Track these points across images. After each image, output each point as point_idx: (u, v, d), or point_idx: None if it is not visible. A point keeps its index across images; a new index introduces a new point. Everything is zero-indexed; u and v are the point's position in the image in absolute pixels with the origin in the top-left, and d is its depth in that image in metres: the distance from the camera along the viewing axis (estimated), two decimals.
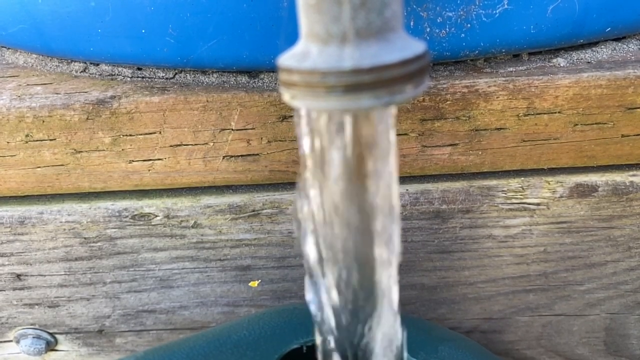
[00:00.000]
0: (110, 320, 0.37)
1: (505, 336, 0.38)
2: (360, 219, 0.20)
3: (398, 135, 0.31)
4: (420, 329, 0.31)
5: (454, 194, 0.33)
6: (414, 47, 0.17)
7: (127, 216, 0.33)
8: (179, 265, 0.35)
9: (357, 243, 0.21)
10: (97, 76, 0.32)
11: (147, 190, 0.33)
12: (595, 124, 0.31)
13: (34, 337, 0.37)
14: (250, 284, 0.36)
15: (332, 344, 0.23)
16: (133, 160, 0.31)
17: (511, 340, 0.38)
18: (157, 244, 0.34)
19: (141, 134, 0.31)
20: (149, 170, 0.32)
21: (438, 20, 0.28)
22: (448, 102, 0.30)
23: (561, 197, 0.33)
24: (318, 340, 0.23)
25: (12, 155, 0.31)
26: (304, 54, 0.17)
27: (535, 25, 0.29)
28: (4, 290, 0.36)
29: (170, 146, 0.31)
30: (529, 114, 0.30)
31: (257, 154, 0.31)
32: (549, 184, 0.32)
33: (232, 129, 0.30)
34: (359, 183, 0.19)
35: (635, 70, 0.30)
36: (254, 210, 0.33)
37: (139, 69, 0.32)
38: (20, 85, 0.32)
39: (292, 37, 0.25)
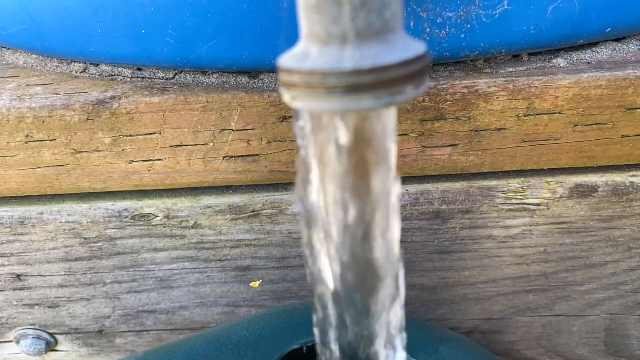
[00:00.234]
0: (110, 321, 0.37)
1: (506, 337, 0.38)
2: (361, 219, 0.20)
3: (398, 135, 0.31)
4: (420, 329, 0.31)
5: (454, 195, 0.33)
6: (415, 47, 0.17)
7: (127, 217, 0.33)
8: (179, 266, 0.35)
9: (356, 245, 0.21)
10: (97, 77, 0.32)
11: (147, 191, 0.33)
12: (596, 124, 0.31)
13: (34, 338, 0.37)
14: (251, 285, 0.36)
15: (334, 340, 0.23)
16: (133, 161, 0.31)
17: (511, 341, 0.38)
18: (157, 245, 0.34)
19: (141, 135, 0.31)
20: (149, 170, 0.32)
21: (438, 21, 0.28)
22: (448, 103, 0.30)
23: (561, 197, 0.33)
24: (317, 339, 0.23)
25: (12, 156, 0.31)
26: (305, 54, 0.17)
27: (535, 25, 0.29)
28: (4, 291, 0.36)
29: (171, 147, 0.31)
30: (529, 115, 0.30)
31: (257, 155, 0.31)
32: (549, 184, 0.32)
33: (232, 130, 0.30)
34: (359, 184, 0.19)
35: (636, 71, 0.30)
36: (254, 211, 0.33)
37: (139, 69, 0.32)
38: (20, 85, 0.32)
39: (292, 38, 0.25)
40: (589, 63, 0.31)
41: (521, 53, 0.31)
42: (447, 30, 0.28)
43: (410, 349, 0.27)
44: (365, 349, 0.22)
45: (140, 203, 0.33)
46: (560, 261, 0.35)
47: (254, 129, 0.30)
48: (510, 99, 0.30)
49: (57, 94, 0.30)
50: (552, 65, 0.31)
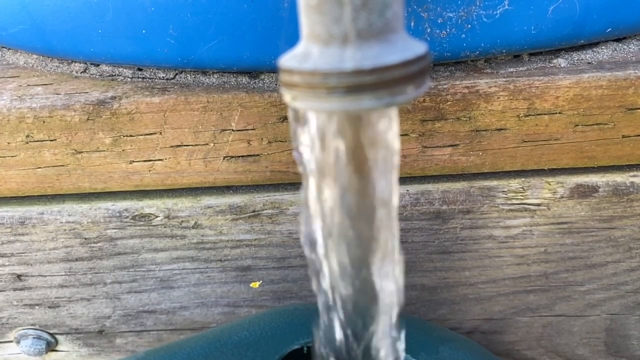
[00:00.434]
0: (110, 321, 0.37)
1: (506, 337, 0.38)
2: (362, 218, 0.20)
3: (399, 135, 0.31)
4: (420, 329, 0.31)
5: (454, 195, 0.33)
6: (415, 48, 0.17)
7: (127, 217, 0.33)
8: (179, 266, 0.35)
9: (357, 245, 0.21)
10: (97, 77, 0.32)
11: (147, 191, 0.33)
12: (596, 124, 0.31)
13: (34, 338, 0.37)
14: (251, 285, 0.36)
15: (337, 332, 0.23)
16: (133, 161, 0.31)
17: (512, 341, 0.38)
18: (157, 245, 0.34)
19: (142, 135, 0.31)
20: (150, 170, 0.32)
21: (439, 21, 0.28)
22: (449, 103, 0.30)
23: (562, 197, 0.33)
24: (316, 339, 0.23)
25: (12, 156, 0.31)
26: (305, 54, 0.17)
27: (535, 25, 0.29)
28: (5, 291, 0.36)
29: (171, 147, 0.31)
30: (529, 115, 0.30)
31: (258, 155, 0.31)
32: (550, 184, 0.32)
33: (233, 130, 0.30)
34: (360, 184, 0.19)
35: (636, 71, 0.30)
36: (254, 211, 0.33)
37: (140, 69, 0.32)
38: (20, 85, 0.32)
39: (292, 38, 0.25)
40: (589, 63, 0.31)
41: (522, 53, 0.31)
42: (448, 30, 0.28)
43: (410, 349, 0.27)
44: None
45: (141, 203, 0.33)
46: (560, 261, 0.35)
47: (254, 129, 0.30)
48: (510, 99, 0.30)
49: (57, 94, 0.30)
50: (552, 65, 0.31)
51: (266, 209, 0.33)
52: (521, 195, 0.33)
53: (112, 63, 0.32)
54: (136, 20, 0.28)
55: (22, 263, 0.35)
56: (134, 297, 0.36)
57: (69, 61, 0.33)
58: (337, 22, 0.16)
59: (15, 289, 0.36)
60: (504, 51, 0.30)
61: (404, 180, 0.33)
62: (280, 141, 0.31)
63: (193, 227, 0.33)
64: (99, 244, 0.34)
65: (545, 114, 0.30)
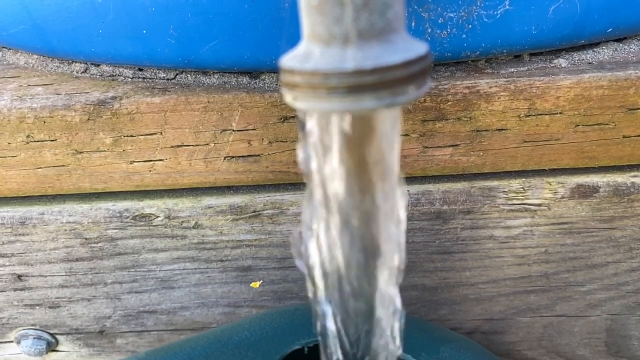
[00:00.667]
0: (111, 321, 0.37)
1: (507, 337, 0.38)
2: (363, 221, 0.20)
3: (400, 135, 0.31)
4: (421, 329, 0.31)
5: (455, 195, 0.33)
6: (416, 48, 0.17)
7: (128, 217, 0.33)
8: (179, 266, 0.35)
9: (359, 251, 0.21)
10: (98, 77, 0.32)
11: (148, 191, 0.33)
12: (597, 124, 0.31)
13: (34, 338, 0.37)
14: (251, 285, 0.36)
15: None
16: (134, 161, 0.31)
17: (512, 341, 0.38)
18: (158, 245, 0.34)
19: (142, 135, 0.31)
20: (150, 170, 0.32)
21: (439, 21, 0.28)
22: (449, 103, 0.30)
23: (562, 197, 0.33)
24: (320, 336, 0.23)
25: (13, 156, 0.31)
26: (306, 55, 0.17)
27: (536, 25, 0.29)
28: (5, 291, 0.36)
29: (171, 147, 0.31)
30: (530, 115, 0.30)
31: (258, 155, 0.31)
32: (550, 184, 0.32)
33: (233, 130, 0.30)
34: (360, 185, 0.19)
35: (637, 71, 0.30)
36: (255, 211, 0.33)
37: (140, 69, 0.32)
38: (21, 85, 0.32)
39: (293, 38, 0.25)
40: (590, 63, 0.31)
41: (522, 53, 0.31)
42: (448, 30, 0.28)
43: (411, 349, 0.27)
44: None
45: (141, 203, 0.33)
46: (561, 261, 0.35)
47: (255, 129, 0.30)
48: (511, 99, 0.30)
49: (58, 94, 0.30)
50: (553, 65, 0.31)
51: (267, 209, 0.33)
52: (522, 196, 0.33)
53: (113, 63, 0.32)
54: (137, 20, 0.28)
55: (22, 263, 0.35)
56: (134, 297, 0.36)
57: (70, 61, 0.33)
58: (338, 22, 0.16)
59: (15, 289, 0.36)
60: (505, 51, 0.30)
61: (404, 180, 0.33)
62: (281, 141, 0.31)
63: (194, 227, 0.33)
64: (100, 244, 0.34)
65: (546, 114, 0.30)
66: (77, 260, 0.34)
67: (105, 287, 0.36)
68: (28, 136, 0.30)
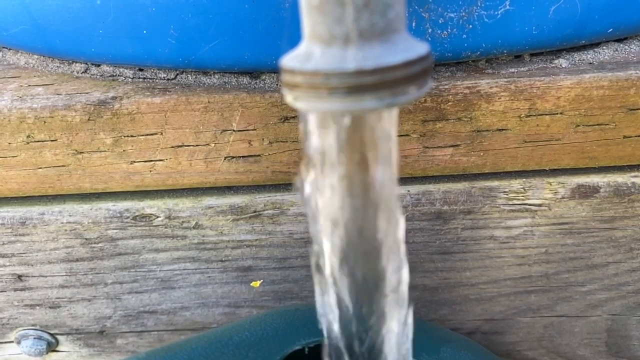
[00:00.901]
0: (111, 321, 0.37)
1: (507, 337, 0.38)
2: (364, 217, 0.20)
3: (399, 136, 0.31)
4: (421, 330, 0.31)
5: (455, 195, 0.33)
6: (417, 48, 0.17)
7: (128, 217, 0.33)
8: (180, 266, 0.35)
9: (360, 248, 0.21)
10: (98, 77, 0.32)
11: (148, 191, 0.33)
12: (597, 125, 0.31)
13: (35, 338, 0.37)
14: (252, 284, 0.35)
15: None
16: (134, 161, 0.31)
17: (513, 342, 0.38)
18: (158, 245, 0.34)
19: (142, 135, 0.31)
20: (151, 171, 0.32)
21: (440, 21, 0.28)
22: (450, 103, 0.30)
23: (563, 198, 0.33)
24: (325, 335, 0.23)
25: (13, 156, 0.31)
26: (307, 55, 0.17)
27: (537, 26, 0.29)
28: (5, 291, 0.36)
29: (172, 147, 0.31)
30: (530, 115, 0.30)
31: (259, 155, 0.31)
32: (551, 185, 0.32)
33: (234, 130, 0.30)
34: (360, 185, 0.19)
35: (637, 71, 0.29)
36: (255, 211, 0.33)
37: (141, 69, 0.32)
38: (21, 86, 0.32)
39: (294, 38, 0.25)
40: (590, 63, 0.31)
41: (523, 53, 0.31)
42: (449, 30, 0.28)
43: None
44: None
45: (142, 203, 0.33)
46: (561, 262, 0.35)
47: (255, 130, 0.30)
48: (511, 100, 0.30)
49: (58, 94, 0.30)
50: (553, 65, 0.31)
51: (267, 210, 0.33)
52: (522, 196, 0.33)
53: (113, 63, 0.32)
54: (137, 20, 0.28)
55: (22, 263, 0.35)
56: (134, 298, 0.36)
57: (70, 61, 0.33)
58: (339, 22, 0.16)
59: (16, 290, 0.36)
60: (505, 51, 0.30)
61: (404, 180, 0.33)
62: (281, 141, 0.31)
63: (194, 228, 0.33)
64: (100, 245, 0.34)
65: (546, 115, 0.30)
66: (77, 260, 0.34)
67: (106, 287, 0.36)
68: (28, 136, 0.30)
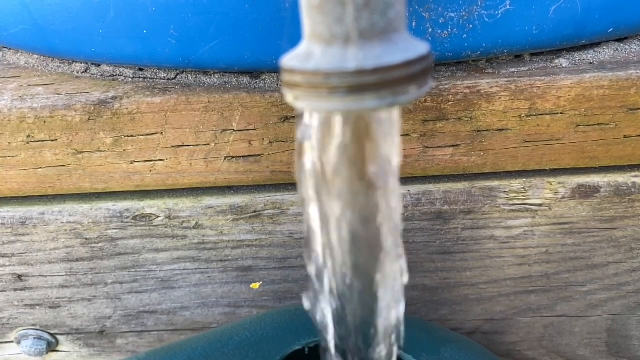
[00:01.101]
0: (111, 321, 0.37)
1: (507, 337, 0.38)
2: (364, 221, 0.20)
3: (400, 136, 0.31)
4: (422, 330, 0.31)
5: (455, 195, 0.33)
6: (418, 48, 0.17)
7: (128, 217, 0.33)
8: (180, 266, 0.35)
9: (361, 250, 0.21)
10: (98, 77, 0.32)
11: (148, 191, 0.33)
12: (598, 124, 0.31)
13: (35, 338, 0.37)
14: (251, 286, 0.35)
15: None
16: (134, 161, 0.31)
17: (513, 342, 0.38)
18: (158, 245, 0.34)
19: (143, 135, 0.31)
20: (151, 170, 0.32)
21: (440, 21, 0.28)
22: (450, 103, 0.30)
23: (563, 198, 0.33)
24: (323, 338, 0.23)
25: (13, 156, 0.31)
26: (307, 54, 0.17)
27: (537, 25, 0.29)
28: (5, 291, 0.36)
29: (172, 147, 0.31)
30: (531, 115, 0.30)
31: (259, 155, 0.31)
32: (551, 184, 0.32)
33: (234, 130, 0.30)
34: (361, 185, 0.19)
35: (638, 71, 0.29)
36: (255, 211, 0.33)
37: (141, 69, 0.32)
38: (21, 85, 0.32)
39: (294, 38, 0.25)
40: (591, 63, 0.31)
41: (523, 53, 0.31)
42: (449, 30, 0.28)
43: (411, 349, 0.27)
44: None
45: (142, 203, 0.33)
46: (561, 262, 0.35)
47: (255, 129, 0.30)
48: (512, 99, 0.30)
49: (58, 94, 0.30)
50: (554, 65, 0.31)
51: (267, 209, 0.33)
52: (522, 196, 0.33)
53: (113, 63, 0.32)
54: (137, 20, 0.28)
55: (22, 263, 0.35)
56: (134, 298, 0.36)
57: (70, 61, 0.33)
58: (339, 21, 0.16)
59: (16, 289, 0.36)
60: (506, 51, 0.30)
61: (405, 180, 0.33)
62: (282, 141, 0.31)
63: (194, 228, 0.33)
64: (100, 244, 0.34)
65: (546, 114, 0.30)
66: (77, 260, 0.34)
67: (106, 287, 0.36)
68: (28, 136, 0.30)
